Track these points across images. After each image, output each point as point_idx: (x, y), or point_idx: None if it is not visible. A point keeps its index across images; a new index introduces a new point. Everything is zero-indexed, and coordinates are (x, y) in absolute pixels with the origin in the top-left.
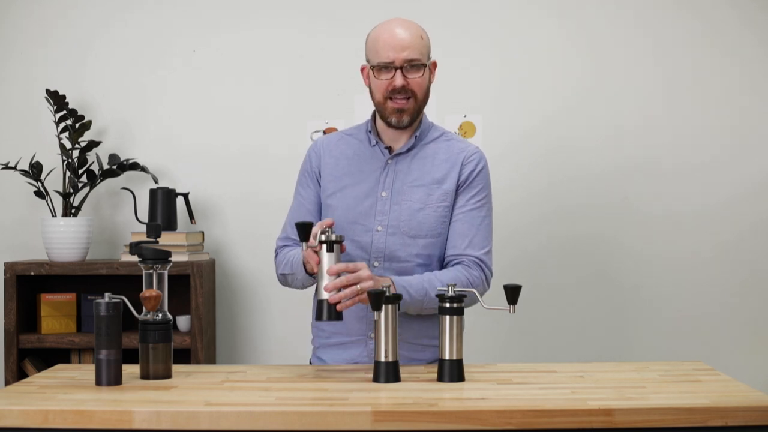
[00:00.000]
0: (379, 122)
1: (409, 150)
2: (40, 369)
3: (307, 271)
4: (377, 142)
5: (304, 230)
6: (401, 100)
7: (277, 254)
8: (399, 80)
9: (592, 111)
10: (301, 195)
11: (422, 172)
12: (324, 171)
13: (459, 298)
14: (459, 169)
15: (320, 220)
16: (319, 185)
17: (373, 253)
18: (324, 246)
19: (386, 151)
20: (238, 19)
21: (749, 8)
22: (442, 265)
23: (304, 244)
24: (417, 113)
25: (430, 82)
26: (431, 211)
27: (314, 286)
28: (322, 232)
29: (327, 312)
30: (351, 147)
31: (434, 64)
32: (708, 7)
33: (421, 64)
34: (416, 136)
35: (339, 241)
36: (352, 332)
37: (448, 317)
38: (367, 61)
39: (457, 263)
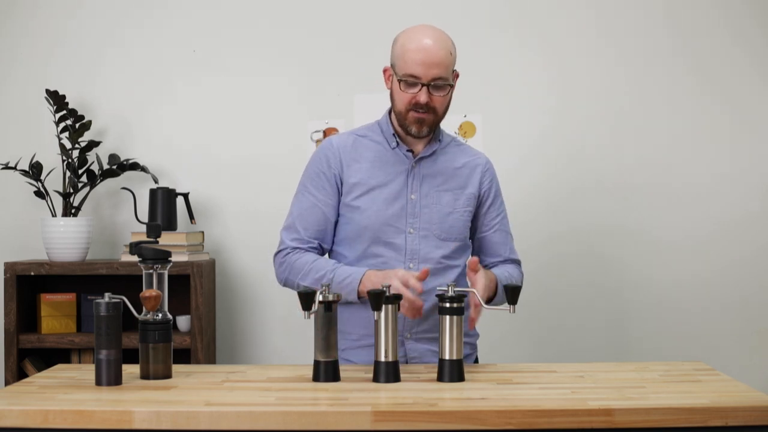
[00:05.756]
0: (399, 126)
1: (431, 154)
2: (40, 369)
3: (359, 294)
4: (398, 144)
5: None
6: (423, 113)
7: (288, 254)
8: (423, 97)
9: (592, 111)
10: (314, 196)
11: (446, 176)
12: (347, 173)
13: (459, 298)
14: (479, 178)
15: (336, 223)
16: (337, 188)
17: (407, 255)
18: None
19: (409, 153)
20: (238, 20)
21: (746, 26)
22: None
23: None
24: (436, 126)
25: (451, 96)
26: (459, 215)
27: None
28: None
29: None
30: (370, 149)
31: (456, 75)
32: (708, 23)
33: (447, 84)
34: (439, 140)
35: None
36: None
37: (448, 317)
38: (392, 65)
39: (507, 264)
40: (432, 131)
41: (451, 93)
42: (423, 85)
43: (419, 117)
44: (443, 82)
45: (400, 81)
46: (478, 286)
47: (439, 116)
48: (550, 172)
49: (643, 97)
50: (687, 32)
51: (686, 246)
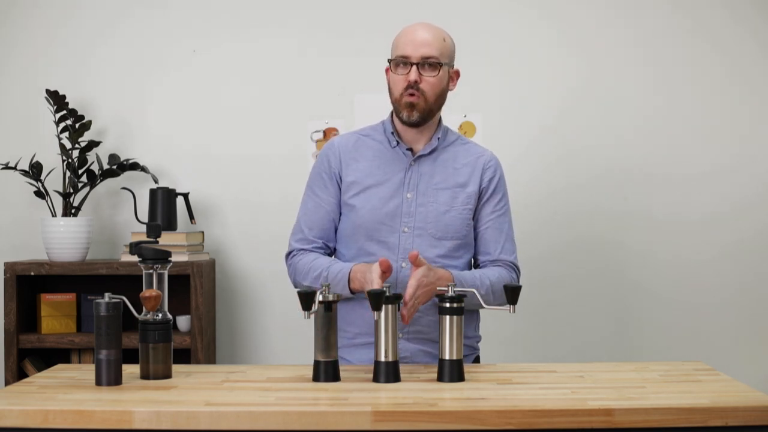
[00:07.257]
0: (398, 122)
1: (431, 152)
2: (40, 369)
3: (350, 290)
4: (398, 143)
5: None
6: (414, 96)
7: (293, 255)
8: (413, 75)
9: (592, 111)
10: (318, 196)
11: (445, 175)
12: (345, 172)
13: (459, 298)
14: (480, 174)
15: (339, 222)
16: (339, 187)
17: (400, 254)
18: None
19: (408, 152)
20: (238, 19)
21: (749, 14)
22: (469, 267)
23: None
24: (427, 113)
25: (447, 87)
26: (457, 213)
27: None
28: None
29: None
30: (370, 148)
31: (457, 73)
32: (709, 13)
33: (438, 63)
34: (438, 138)
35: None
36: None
37: (448, 317)
38: (389, 61)
39: (495, 267)
40: (423, 118)
41: (444, 78)
42: (413, 64)
43: (410, 100)
44: (434, 61)
45: (392, 64)
46: (409, 281)
47: (429, 101)
48: (550, 173)
49: (645, 96)
50: (690, 25)
51: (687, 246)
